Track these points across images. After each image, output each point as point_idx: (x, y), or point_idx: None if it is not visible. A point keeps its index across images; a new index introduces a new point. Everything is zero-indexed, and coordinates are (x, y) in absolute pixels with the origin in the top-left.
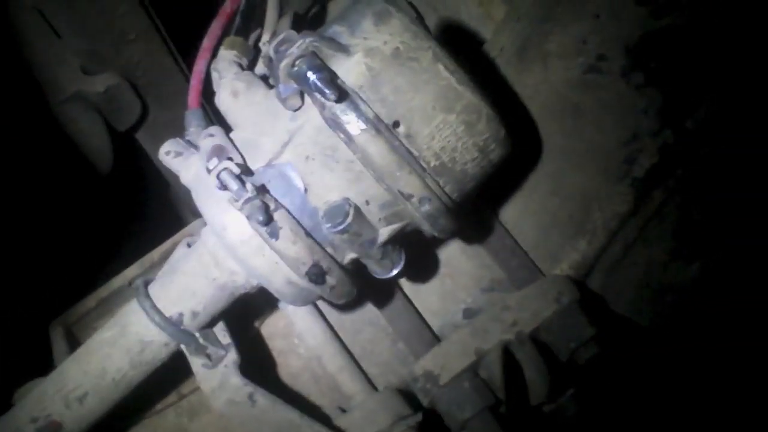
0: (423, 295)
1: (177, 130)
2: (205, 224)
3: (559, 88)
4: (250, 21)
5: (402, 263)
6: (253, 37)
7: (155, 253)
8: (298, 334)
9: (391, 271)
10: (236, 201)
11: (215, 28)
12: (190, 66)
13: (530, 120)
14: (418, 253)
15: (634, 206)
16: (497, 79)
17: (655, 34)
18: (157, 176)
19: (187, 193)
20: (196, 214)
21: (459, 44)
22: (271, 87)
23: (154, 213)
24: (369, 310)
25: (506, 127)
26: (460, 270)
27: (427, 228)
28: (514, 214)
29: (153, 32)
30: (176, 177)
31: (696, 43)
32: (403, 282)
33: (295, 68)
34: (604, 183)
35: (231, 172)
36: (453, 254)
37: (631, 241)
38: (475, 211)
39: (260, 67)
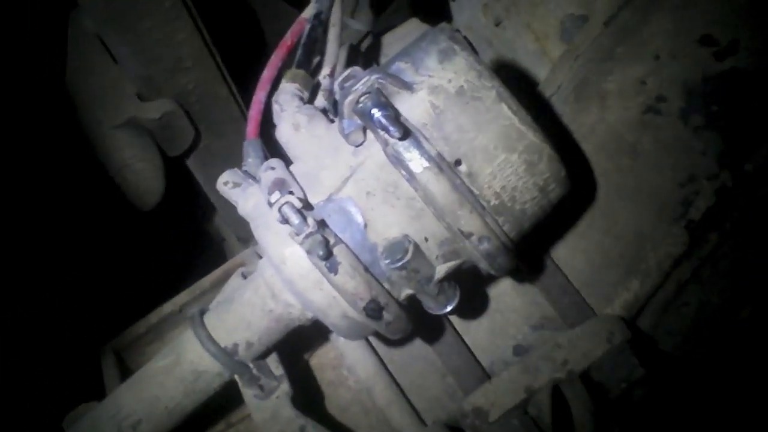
0: (473, 331)
1: (227, 157)
2: (257, 254)
3: (616, 128)
4: (311, 53)
5: (457, 299)
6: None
7: (206, 281)
8: (348, 366)
9: (446, 307)
10: (297, 235)
11: (275, 59)
12: (243, 95)
13: (585, 159)
14: (470, 289)
15: (688, 248)
16: (554, 117)
17: (717, 77)
18: (206, 202)
19: (235, 220)
20: (243, 241)
21: (515, 81)
22: (331, 120)
23: (200, 239)
24: (419, 344)
25: (566, 167)
26: (510, 306)
27: (484, 266)
28: (566, 252)
29: (208, 59)
30: (225, 203)
31: (758, 86)
32: (453, 317)
33: (360, 105)
34: (659, 224)
35: (292, 206)
36: (503, 290)
37: (684, 283)
38: (529, 247)
39: (320, 100)
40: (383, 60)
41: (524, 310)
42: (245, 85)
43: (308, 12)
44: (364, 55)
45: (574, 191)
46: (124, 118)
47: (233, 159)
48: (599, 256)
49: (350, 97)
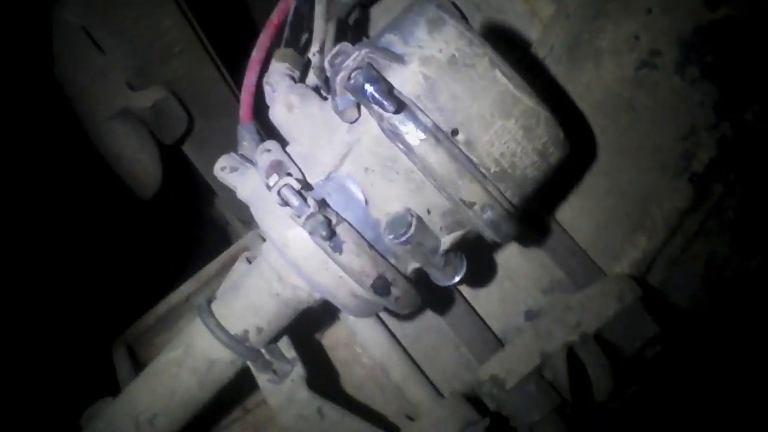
0: (483, 299)
1: (223, 140)
2: (261, 237)
3: (612, 86)
4: (299, 32)
5: (464, 269)
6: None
7: (211, 268)
8: (360, 343)
9: (453, 277)
10: (298, 217)
11: (264, 39)
12: (234, 76)
13: (583, 119)
14: (477, 257)
15: (693, 201)
16: (549, 78)
17: (711, 27)
18: (205, 187)
19: (236, 204)
20: (246, 223)
21: (506, 44)
22: (324, 98)
23: (203, 224)
24: (430, 316)
25: (564, 130)
26: (519, 272)
27: (489, 234)
28: (570, 213)
29: (197, 44)
30: (225, 187)
31: (754, 34)
32: (463, 287)
33: (352, 81)
34: (662, 179)
35: (291, 188)
36: (511, 256)
37: (691, 236)
38: (532, 212)
39: (311, 78)
40: (373, 33)
41: (533, 275)
42: (235, 66)
43: None
44: (352, 29)
45: (574, 152)
46: (116, 108)
47: (229, 142)
48: (604, 216)
49: (341, 74)
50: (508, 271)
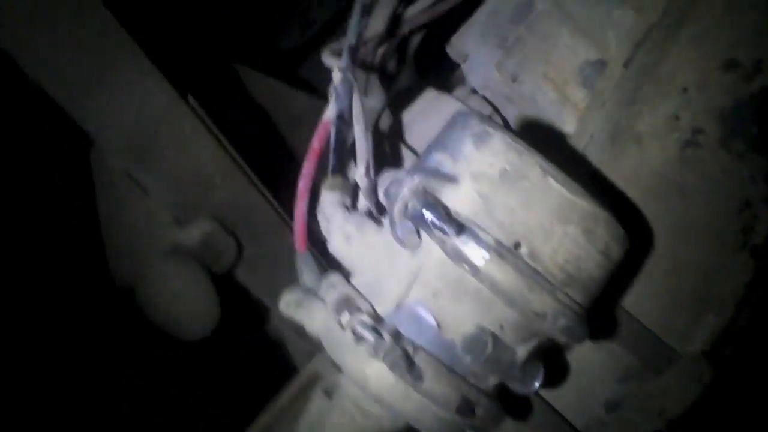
0: (560, 396)
1: (274, 262)
2: (329, 361)
3: (659, 169)
4: (343, 156)
5: (542, 375)
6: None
7: (284, 398)
8: None
9: (533, 385)
10: (375, 352)
11: (308, 168)
12: (277, 197)
13: (634, 205)
14: (551, 358)
15: (756, 273)
16: (593, 167)
17: (750, 99)
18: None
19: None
20: (302, 336)
21: (545, 134)
22: (379, 221)
23: (257, 340)
24: (510, 422)
25: (623, 225)
26: (591, 363)
27: (564, 339)
28: (635, 299)
29: (237, 172)
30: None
31: None
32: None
33: (409, 209)
34: (723, 255)
35: (365, 325)
36: (581, 349)
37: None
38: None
39: (361, 201)
40: (407, 137)
41: (606, 364)
42: (277, 186)
43: (329, 113)
44: (387, 134)
45: (633, 241)
46: (166, 247)
47: (279, 263)
48: (669, 297)
49: (398, 205)
50: (580, 363)
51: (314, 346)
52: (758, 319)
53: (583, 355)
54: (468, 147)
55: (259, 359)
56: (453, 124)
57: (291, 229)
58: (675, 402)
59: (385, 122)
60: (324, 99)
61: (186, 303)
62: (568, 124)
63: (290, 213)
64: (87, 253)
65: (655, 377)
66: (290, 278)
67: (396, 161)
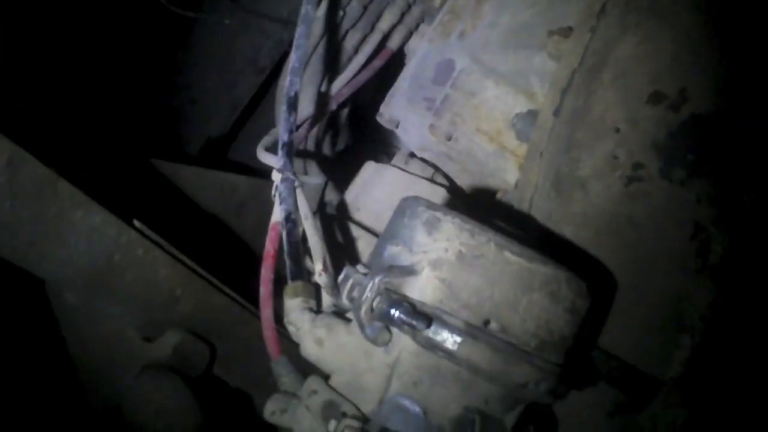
0: None
1: (248, 357)
2: None
3: (607, 208)
4: (298, 258)
5: None
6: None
7: None
8: None
9: None
10: None
11: (266, 273)
12: (241, 292)
13: (590, 248)
14: (540, 413)
15: (718, 292)
16: (543, 217)
17: (681, 127)
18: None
19: None
20: None
21: (490, 192)
22: (347, 319)
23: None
24: None
25: (583, 272)
26: (579, 404)
27: (548, 400)
28: (609, 336)
29: (195, 278)
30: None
31: (722, 121)
32: None
33: (375, 311)
34: (684, 279)
35: (353, 429)
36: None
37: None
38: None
39: (326, 299)
40: (355, 215)
41: (594, 402)
42: (237, 276)
43: (277, 216)
44: (335, 217)
45: (596, 285)
46: (140, 366)
47: (253, 352)
48: (641, 327)
49: (364, 308)
50: (568, 407)
51: None
52: (731, 335)
53: (571, 401)
54: (421, 235)
55: None
56: (401, 212)
57: (258, 318)
58: (665, 428)
59: (331, 203)
60: (261, 175)
61: (168, 415)
62: (509, 173)
63: (255, 300)
64: (60, 384)
65: (642, 407)
66: (266, 365)
67: (349, 245)
